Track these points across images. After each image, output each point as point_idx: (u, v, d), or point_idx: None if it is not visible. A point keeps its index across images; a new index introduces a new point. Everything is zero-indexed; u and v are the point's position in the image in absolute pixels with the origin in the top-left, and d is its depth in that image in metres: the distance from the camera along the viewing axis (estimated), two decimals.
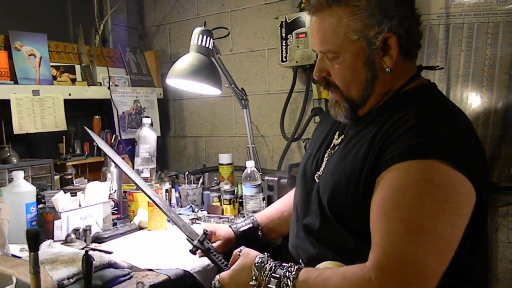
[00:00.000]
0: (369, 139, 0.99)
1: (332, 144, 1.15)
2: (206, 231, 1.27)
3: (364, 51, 1.00)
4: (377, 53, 1.01)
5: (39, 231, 0.96)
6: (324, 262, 1.01)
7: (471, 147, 0.96)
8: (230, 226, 1.42)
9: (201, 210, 1.91)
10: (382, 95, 1.07)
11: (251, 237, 1.39)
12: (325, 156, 1.14)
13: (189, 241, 1.27)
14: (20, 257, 1.29)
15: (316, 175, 1.14)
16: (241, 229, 1.40)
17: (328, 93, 1.12)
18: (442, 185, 0.87)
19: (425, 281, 0.83)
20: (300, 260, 1.12)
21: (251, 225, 1.42)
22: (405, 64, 1.06)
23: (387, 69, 1.02)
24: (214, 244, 1.29)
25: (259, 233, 1.41)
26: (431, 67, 1.21)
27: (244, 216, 1.74)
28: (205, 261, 1.33)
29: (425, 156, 0.88)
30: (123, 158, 2.25)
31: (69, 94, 2.13)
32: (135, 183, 1.45)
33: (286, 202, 1.46)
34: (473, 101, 1.75)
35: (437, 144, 0.90)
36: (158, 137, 2.27)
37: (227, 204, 1.85)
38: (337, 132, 1.17)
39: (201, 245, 1.25)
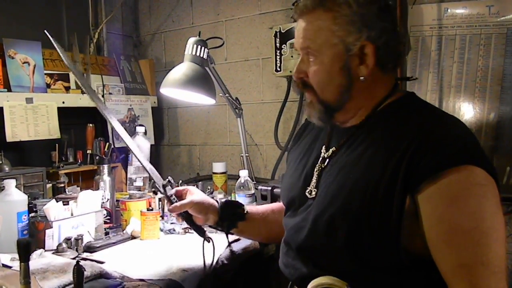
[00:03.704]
0: (379, 151, 0.99)
1: (321, 158, 1.13)
2: (171, 180, 1.35)
3: (341, 56, 1.03)
4: (354, 60, 1.03)
5: (30, 241, 0.95)
6: (318, 278, 0.99)
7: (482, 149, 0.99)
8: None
9: None
10: (366, 106, 1.08)
11: (234, 210, 1.38)
12: (315, 170, 1.12)
13: (154, 184, 1.36)
14: (10, 267, 1.28)
15: (307, 190, 1.11)
16: (224, 200, 1.43)
17: (304, 94, 1.14)
18: (488, 185, 0.91)
19: (505, 275, 0.87)
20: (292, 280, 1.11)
21: (237, 202, 1.45)
22: (386, 77, 1.08)
23: (361, 78, 1.04)
24: (185, 201, 1.32)
25: (244, 210, 1.39)
26: (406, 78, 1.22)
27: None
28: (198, 272, 1.33)
29: (465, 162, 0.90)
30: (116, 167, 2.26)
31: (63, 102, 2.13)
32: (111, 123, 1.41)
33: (272, 207, 1.44)
34: (465, 111, 1.77)
35: (470, 151, 0.93)
36: (152, 145, 2.27)
37: None
38: (324, 146, 1.15)
39: (163, 189, 1.32)
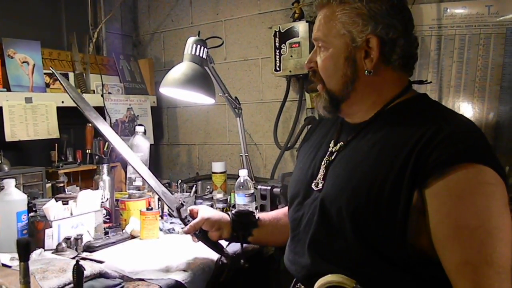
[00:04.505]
0: (388, 146, 1.00)
1: (329, 152, 1.14)
2: (183, 202, 1.41)
3: (347, 47, 1.06)
4: (359, 52, 1.05)
5: (30, 241, 0.95)
6: (326, 276, 0.98)
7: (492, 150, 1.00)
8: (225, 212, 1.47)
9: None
10: (375, 103, 1.08)
11: (246, 218, 1.40)
12: (322, 164, 1.13)
13: (168, 207, 1.41)
14: (10, 267, 1.28)
15: (314, 183, 1.12)
16: (235, 211, 1.44)
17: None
18: (497, 184, 0.91)
19: (509, 276, 0.87)
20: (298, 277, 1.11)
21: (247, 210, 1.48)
22: (396, 75, 1.08)
23: (366, 71, 1.05)
24: (196, 220, 1.36)
25: (256, 217, 1.41)
26: (419, 81, 1.23)
27: None
28: (198, 271, 1.33)
29: (475, 160, 0.91)
30: (115, 167, 2.26)
31: (62, 102, 2.13)
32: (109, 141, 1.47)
33: (284, 211, 1.44)
34: (464, 111, 1.77)
35: (480, 150, 0.94)
36: (151, 145, 2.26)
37: None
38: (333, 141, 1.16)
39: (177, 212, 1.36)
